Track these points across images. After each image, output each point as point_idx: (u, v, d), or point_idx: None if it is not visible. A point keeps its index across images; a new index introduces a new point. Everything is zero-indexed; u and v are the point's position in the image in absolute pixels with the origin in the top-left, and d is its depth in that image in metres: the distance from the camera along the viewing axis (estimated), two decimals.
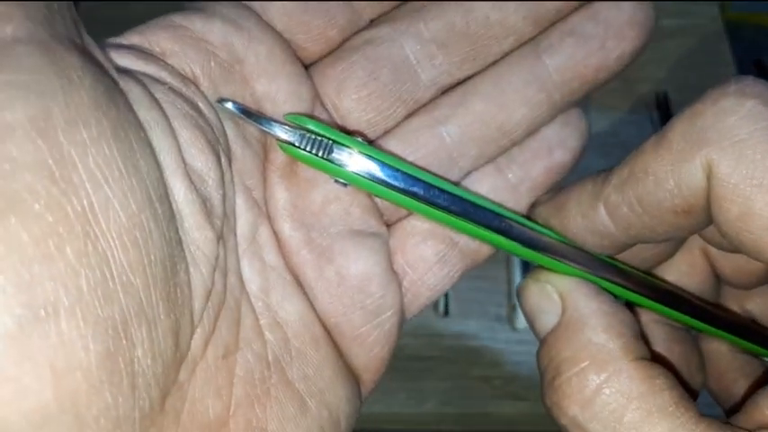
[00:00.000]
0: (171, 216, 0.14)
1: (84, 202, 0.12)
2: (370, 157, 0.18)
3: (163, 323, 0.14)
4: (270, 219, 0.18)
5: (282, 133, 0.17)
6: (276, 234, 0.18)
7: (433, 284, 0.20)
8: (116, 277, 0.13)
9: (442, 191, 0.18)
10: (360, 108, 0.19)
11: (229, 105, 0.17)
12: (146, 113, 0.15)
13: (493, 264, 0.57)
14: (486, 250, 0.21)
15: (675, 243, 0.21)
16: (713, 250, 0.20)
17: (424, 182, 0.18)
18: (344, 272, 0.19)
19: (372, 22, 0.20)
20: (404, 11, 0.19)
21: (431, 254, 0.20)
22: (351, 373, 0.19)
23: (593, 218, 0.18)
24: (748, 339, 0.21)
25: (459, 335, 0.55)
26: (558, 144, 0.20)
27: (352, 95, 0.19)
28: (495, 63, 0.20)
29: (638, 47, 0.19)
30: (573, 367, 0.17)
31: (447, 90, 0.20)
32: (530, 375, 0.53)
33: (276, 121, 0.18)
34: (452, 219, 0.19)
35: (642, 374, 0.16)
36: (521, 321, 0.54)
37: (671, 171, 0.16)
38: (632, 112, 0.65)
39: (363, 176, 0.18)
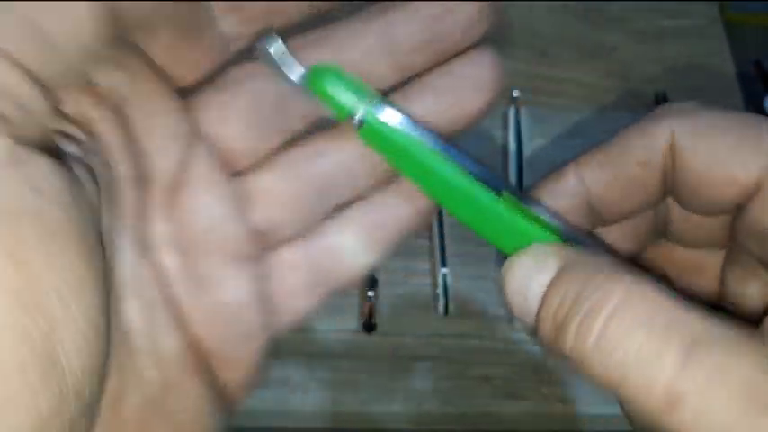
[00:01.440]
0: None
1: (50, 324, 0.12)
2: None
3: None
4: (150, 251, 0.18)
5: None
6: (155, 266, 0.18)
7: (297, 309, 0.21)
8: (70, 387, 0.13)
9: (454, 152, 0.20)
10: (241, 137, 0.19)
11: (278, 43, 0.18)
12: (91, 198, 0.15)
13: (492, 264, 0.58)
14: (343, 276, 0.21)
15: (647, 234, 0.22)
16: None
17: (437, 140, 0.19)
18: (221, 300, 0.19)
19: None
20: None
21: (298, 282, 0.21)
22: (224, 395, 0.19)
23: (564, 180, 0.20)
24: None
25: (458, 335, 0.55)
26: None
27: (234, 125, 0.19)
28: None
29: (490, 101, 0.21)
30: (584, 303, 0.16)
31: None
32: (530, 375, 0.54)
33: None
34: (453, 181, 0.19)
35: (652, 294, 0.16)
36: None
37: (637, 132, 0.20)
38: (631, 111, 0.65)
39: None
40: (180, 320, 0.18)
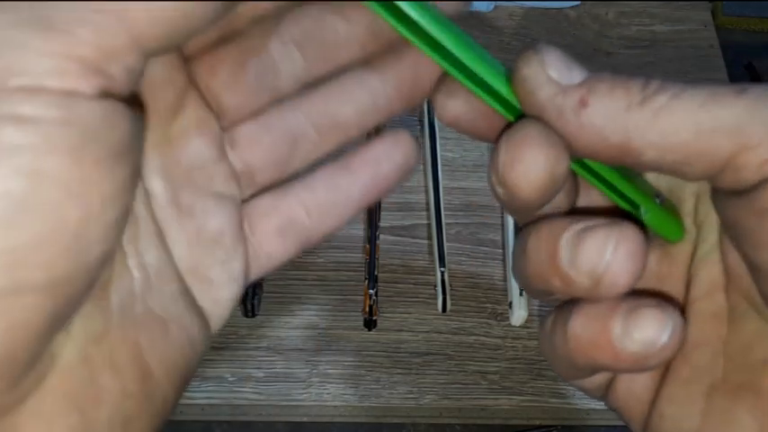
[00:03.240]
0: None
1: None
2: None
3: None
4: (143, 178, 0.20)
5: None
6: (147, 191, 0.20)
7: (270, 252, 0.22)
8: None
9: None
10: (229, 92, 0.21)
11: None
12: None
13: (490, 262, 0.59)
14: (323, 229, 0.23)
15: None
16: None
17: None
18: (202, 226, 0.21)
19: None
20: (270, 19, 0.21)
21: (271, 226, 0.22)
22: (200, 309, 0.21)
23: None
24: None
25: (456, 331, 0.56)
26: (386, 158, 0.23)
27: (223, 79, 0.21)
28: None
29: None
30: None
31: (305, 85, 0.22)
32: (525, 370, 0.55)
33: None
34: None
35: None
36: (516, 318, 0.55)
37: None
38: None
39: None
40: (163, 239, 0.20)
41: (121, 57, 0.15)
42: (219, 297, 0.21)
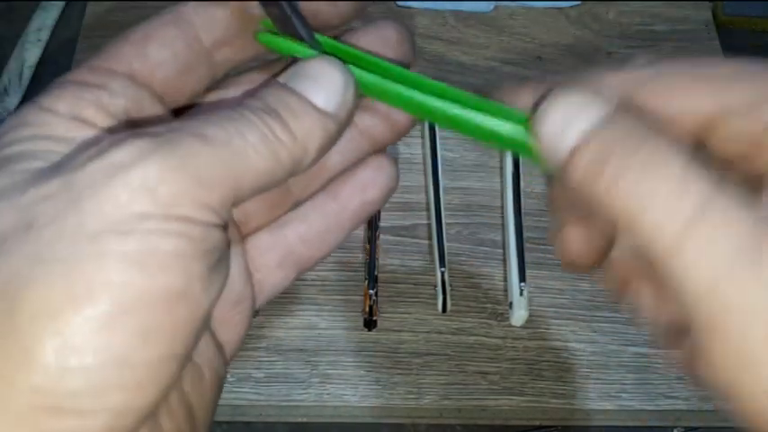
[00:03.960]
0: None
1: None
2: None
3: None
4: None
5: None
6: None
7: (273, 283, 0.25)
8: None
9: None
10: (165, 74, 0.22)
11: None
12: None
13: (490, 263, 0.59)
14: (319, 255, 0.25)
15: None
16: None
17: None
18: None
19: None
20: None
21: (273, 261, 0.24)
22: (222, 354, 0.23)
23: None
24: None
25: (456, 331, 0.56)
26: (371, 184, 0.25)
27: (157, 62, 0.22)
28: None
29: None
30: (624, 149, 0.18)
31: None
32: (525, 370, 0.55)
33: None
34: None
35: None
36: (516, 318, 0.55)
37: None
38: None
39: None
40: None
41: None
42: (234, 334, 0.23)
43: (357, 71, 0.21)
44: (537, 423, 0.54)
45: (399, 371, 0.54)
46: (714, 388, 0.17)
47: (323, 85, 0.20)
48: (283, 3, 0.20)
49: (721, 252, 0.16)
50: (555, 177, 0.21)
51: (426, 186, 0.61)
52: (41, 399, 0.16)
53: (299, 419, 0.53)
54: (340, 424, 0.54)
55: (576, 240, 0.22)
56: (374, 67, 0.22)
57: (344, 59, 0.21)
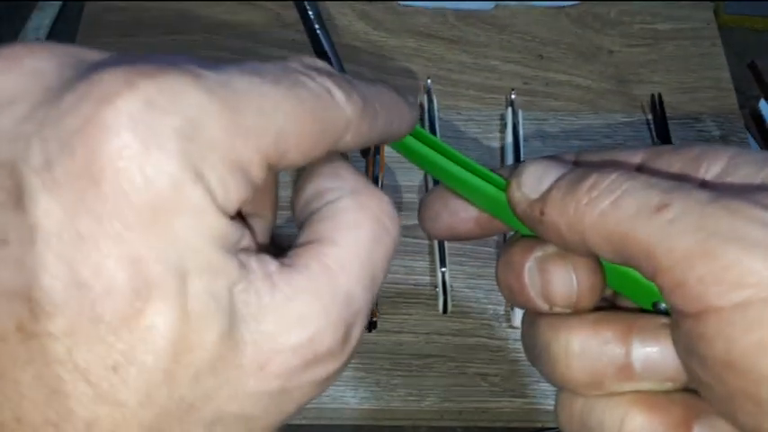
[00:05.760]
0: None
1: None
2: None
3: None
4: None
5: None
6: None
7: None
8: None
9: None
10: None
11: None
12: None
13: (491, 263, 0.58)
14: None
15: None
16: None
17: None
18: None
19: None
20: None
21: None
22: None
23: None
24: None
25: (457, 333, 0.56)
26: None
27: None
28: None
29: None
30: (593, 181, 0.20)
31: None
32: (526, 372, 0.54)
33: None
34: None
35: None
36: (518, 319, 0.55)
37: None
38: (628, 114, 0.66)
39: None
40: None
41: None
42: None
43: None
44: (538, 425, 0.54)
45: (400, 373, 0.54)
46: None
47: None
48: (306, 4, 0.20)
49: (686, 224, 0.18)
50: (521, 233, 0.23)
51: (426, 186, 0.60)
52: None
53: (299, 422, 0.53)
54: (340, 426, 0.53)
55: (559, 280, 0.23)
56: None
57: None
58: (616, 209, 0.19)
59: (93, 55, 0.17)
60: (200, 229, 0.16)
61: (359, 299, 0.18)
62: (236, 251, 0.17)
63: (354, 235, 0.19)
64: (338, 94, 0.18)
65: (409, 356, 0.55)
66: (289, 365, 0.17)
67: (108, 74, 0.15)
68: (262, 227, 0.21)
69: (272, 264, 0.17)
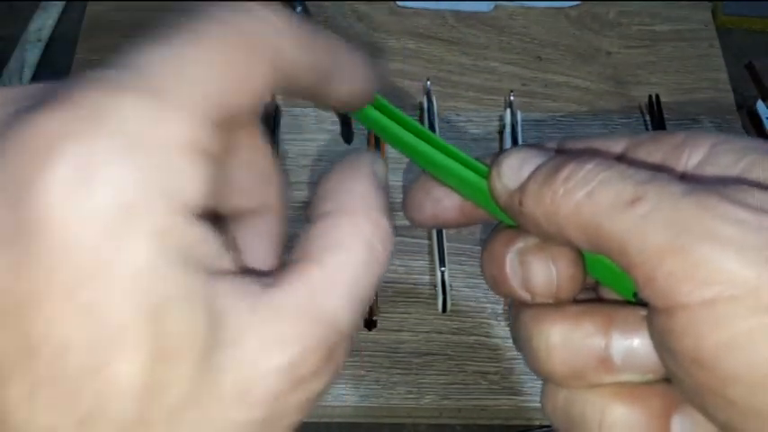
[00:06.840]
0: None
1: None
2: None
3: None
4: None
5: None
6: None
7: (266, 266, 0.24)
8: None
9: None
10: None
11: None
12: None
13: None
14: None
15: None
16: None
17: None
18: None
19: None
20: None
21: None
22: None
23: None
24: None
25: (456, 331, 0.56)
26: None
27: None
28: None
29: None
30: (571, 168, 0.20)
31: None
32: (525, 370, 0.55)
33: None
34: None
35: None
36: None
37: None
38: (626, 114, 0.66)
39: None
40: None
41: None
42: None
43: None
44: (537, 423, 0.54)
45: (399, 371, 0.54)
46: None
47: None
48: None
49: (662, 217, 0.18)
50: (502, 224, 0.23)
51: None
52: None
53: None
54: (339, 424, 0.53)
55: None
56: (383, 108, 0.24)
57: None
58: (590, 200, 0.19)
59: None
60: (160, 252, 0.14)
61: (343, 321, 0.17)
62: (208, 270, 0.15)
63: (344, 258, 0.18)
64: (272, 17, 0.17)
65: (409, 355, 0.55)
66: (271, 391, 0.16)
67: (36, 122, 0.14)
68: (262, 227, 0.20)
69: (252, 283, 0.16)
